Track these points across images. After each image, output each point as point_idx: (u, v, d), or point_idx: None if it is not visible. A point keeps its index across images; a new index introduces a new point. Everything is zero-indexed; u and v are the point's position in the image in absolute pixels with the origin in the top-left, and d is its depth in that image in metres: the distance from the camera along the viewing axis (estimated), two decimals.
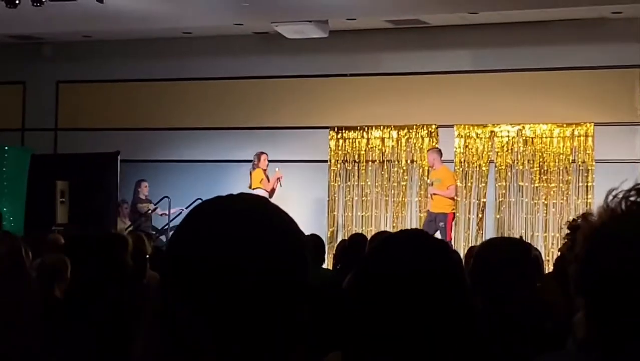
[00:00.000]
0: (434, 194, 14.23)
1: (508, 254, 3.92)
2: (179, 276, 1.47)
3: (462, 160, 15.50)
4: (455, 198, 14.37)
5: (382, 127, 15.96)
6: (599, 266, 1.31)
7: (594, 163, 14.77)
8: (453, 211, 14.20)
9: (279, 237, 1.55)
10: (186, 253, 1.50)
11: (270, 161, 15.33)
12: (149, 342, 1.52)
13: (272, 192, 14.85)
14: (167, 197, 15.53)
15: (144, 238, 5.90)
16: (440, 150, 14.67)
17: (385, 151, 15.93)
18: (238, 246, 1.50)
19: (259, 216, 1.58)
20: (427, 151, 15.06)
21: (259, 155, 15.10)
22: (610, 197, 1.35)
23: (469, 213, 15.35)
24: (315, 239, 9.11)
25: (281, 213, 1.65)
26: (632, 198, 1.33)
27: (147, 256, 5.56)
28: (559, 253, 9.84)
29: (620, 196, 1.34)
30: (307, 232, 8.01)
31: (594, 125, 14.84)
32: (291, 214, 1.62)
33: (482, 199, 15.34)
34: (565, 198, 14.86)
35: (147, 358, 1.50)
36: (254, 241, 1.51)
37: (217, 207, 1.62)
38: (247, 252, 1.48)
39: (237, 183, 15.74)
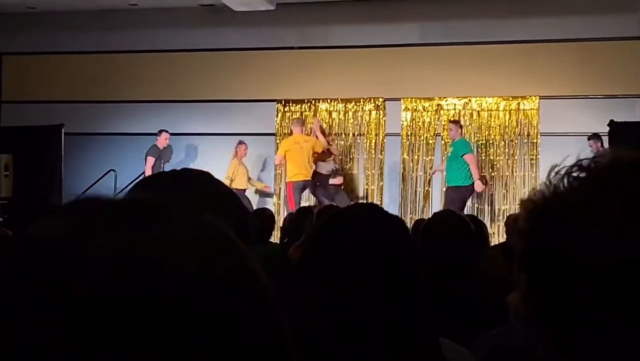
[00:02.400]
0: None
1: (455, 227, 3.94)
2: None
3: (409, 133, 15.55)
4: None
5: (329, 100, 15.96)
6: (540, 244, 1.30)
7: (539, 136, 14.89)
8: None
9: (220, 211, 1.53)
10: None
11: (218, 134, 15.30)
12: None
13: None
14: (112, 170, 15.40)
15: None
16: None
17: (332, 124, 15.92)
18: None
19: (201, 192, 1.56)
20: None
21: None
22: (553, 173, 1.34)
23: (417, 186, 15.41)
24: (265, 212, 9.09)
25: (223, 187, 1.63)
26: (574, 174, 1.32)
27: None
28: (506, 226, 9.94)
29: (563, 172, 1.33)
30: (254, 206, 7.98)
31: (540, 98, 14.96)
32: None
33: (429, 172, 15.41)
34: (511, 171, 14.98)
35: None
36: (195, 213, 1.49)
37: (159, 182, 1.60)
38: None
39: (183, 156, 15.70)
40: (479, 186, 13.75)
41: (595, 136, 13.47)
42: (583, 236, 1.23)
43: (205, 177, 1.64)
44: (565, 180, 1.32)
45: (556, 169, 1.34)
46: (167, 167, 14.27)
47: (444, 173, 14.35)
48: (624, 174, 1.28)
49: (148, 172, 13.96)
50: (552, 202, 1.30)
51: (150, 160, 14.88)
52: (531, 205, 1.34)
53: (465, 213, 11.79)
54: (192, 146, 16.01)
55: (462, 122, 14.85)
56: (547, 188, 1.33)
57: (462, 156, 13.73)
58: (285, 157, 14.47)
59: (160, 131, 15.46)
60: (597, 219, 1.24)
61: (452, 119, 14.74)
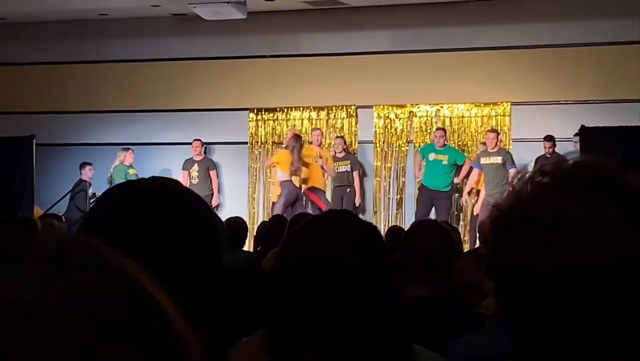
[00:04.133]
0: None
1: (437, 236, 3.95)
2: None
3: (382, 140, 15.57)
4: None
5: (301, 108, 15.96)
6: (505, 252, 1.31)
7: (511, 142, 14.95)
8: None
9: (189, 219, 1.53)
10: (95, 234, 1.46)
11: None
12: None
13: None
14: (85, 181, 15.33)
15: (54, 222, 5.82)
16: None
17: (304, 132, 15.91)
18: (147, 227, 1.48)
19: (169, 198, 1.55)
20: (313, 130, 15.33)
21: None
22: (516, 179, 1.35)
23: (389, 193, 15.44)
24: (238, 221, 9.07)
25: (192, 195, 1.63)
26: (537, 179, 1.33)
27: None
28: (478, 232, 9.98)
29: (526, 177, 1.34)
30: (228, 214, 7.96)
31: (511, 104, 15.02)
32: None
33: (401, 179, 15.44)
34: (483, 177, 15.00)
35: None
36: (164, 222, 1.49)
37: (128, 190, 1.60)
38: (157, 233, 1.46)
39: (155, 166, 15.63)
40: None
41: (549, 138, 13.69)
42: (545, 249, 1.24)
43: (173, 186, 1.63)
44: (529, 185, 1.32)
45: (519, 175, 1.35)
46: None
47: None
48: (584, 179, 1.29)
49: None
50: (516, 210, 1.31)
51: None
52: (496, 214, 1.35)
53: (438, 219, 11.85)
54: (165, 156, 15.94)
55: (434, 129, 14.98)
56: (511, 194, 1.34)
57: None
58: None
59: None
60: (558, 229, 1.24)
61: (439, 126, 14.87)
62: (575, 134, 13.47)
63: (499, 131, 14.45)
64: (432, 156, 14.36)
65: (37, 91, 16.74)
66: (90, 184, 15.26)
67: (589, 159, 1.35)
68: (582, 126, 13.26)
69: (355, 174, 14.83)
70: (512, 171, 13.85)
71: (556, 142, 13.68)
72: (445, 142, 14.49)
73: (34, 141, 15.11)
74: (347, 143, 15.36)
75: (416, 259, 3.85)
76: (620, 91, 14.23)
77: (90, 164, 15.57)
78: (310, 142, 15.13)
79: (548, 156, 13.36)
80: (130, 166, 15.40)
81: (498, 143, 14.05)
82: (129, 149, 15.46)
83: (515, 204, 1.32)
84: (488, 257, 1.34)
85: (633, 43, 14.20)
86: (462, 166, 14.37)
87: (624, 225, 1.24)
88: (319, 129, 15.35)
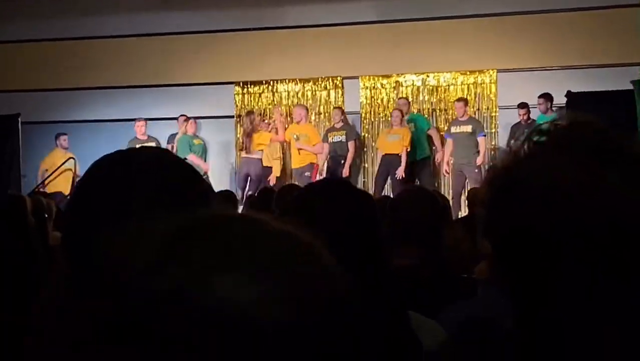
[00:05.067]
0: (301, 149, 14.56)
1: (424, 203, 3.94)
2: (81, 228, 1.42)
3: (369, 111, 15.55)
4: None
5: (287, 80, 15.91)
6: (501, 213, 1.30)
7: (497, 110, 14.95)
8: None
9: (181, 185, 1.51)
10: (85, 204, 1.45)
11: (174, 118, 15.29)
12: (52, 302, 1.47)
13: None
14: (72, 158, 15.26)
15: (42, 199, 5.80)
16: (306, 107, 15.04)
17: (290, 104, 15.87)
18: (139, 195, 1.46)
19: (160, 166, 1.53)
20: (295, 106, 15.31)
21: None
22: (512, 140, 1.34)
23: (375, 164, 15.43)
24: (227, 194, 9.06)
25: (183, 164, 1.61)
26: (534, 139, 1.32)
27: (47, 216, 5.49)
28: (468, 200, 9.99)
29: (523, 137, 1.33)
30: (215, 188, 7.92)
31: (497, 71, 15.02)
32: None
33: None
34: None
35: (51, 318, 1.45)
36: (156, 188, 1.47)
37: (117, 158, 1.58)
38: (149, 200, 1.44)
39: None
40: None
41: (545, 96, 13.69)
42: (540, 210, 1.23)
43: (163, 154, 1.61)
44: (526, 145, 1.31)
45: (516, 135, 1.34)
46: None
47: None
48: (581, 139, 1.28)
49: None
50: (512, 171, 1.30)
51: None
52: (492, 174, 1.34)
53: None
54: (151, 131, 15.87)
55: (421, 99, 14.98)
56: (507, 154, 1.33)
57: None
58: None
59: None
60: (554, 190, 1.23)
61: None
62: (539, 96, 13.66)
63: (473, 99, 14.58)
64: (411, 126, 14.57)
65: (22, 69, 16.63)
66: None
67: (585, 119, 1.33)
68: (569, 92, 13.29)
69: (350, 144, 14.73)
70: (481, 139, 13.90)
71: (530, 110, 13.73)
72: (410, 111, 14.78)
73: (19, 120, 15.07)
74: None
75: (403, 227, 3.84)
76: (607, 56, 14.22)
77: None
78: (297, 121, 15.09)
79: (523, 123, 13.40)
80: (195, 136, 15.35)
81: (466, 111, 14.15)
82: (189, 118, 15.36)
83: (512, 164, 1.31)
84: (485, 218, 1.33)
85: (620, 7, 14.19)
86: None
87: (618, 187, 1.23)
88: (303, 105, 15.27)
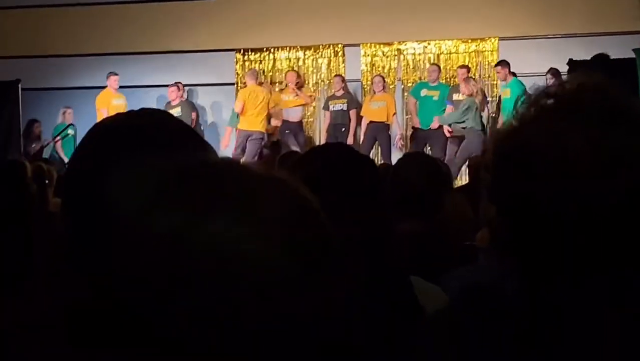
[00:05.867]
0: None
1: (425, 168, 3.94)
2: (78, 195, 1.41)
3: (370, 79, 15.50)
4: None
5: (288, 48, 15.87)
6: (505, 177, 1.29)
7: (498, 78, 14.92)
8: None
9: (183, 143, 1.50)
10: (85, 169, 1.44)
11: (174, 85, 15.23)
12: (52, 269, 1.46)
13: None
14: (72, 125, 15.25)
15: (43, 165, 5.80)
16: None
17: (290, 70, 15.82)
18: (139, 155, 1.45)
19: (162, 127, 1.52)
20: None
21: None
22: (519, 102, 1.32)
23: None
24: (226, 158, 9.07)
25: (184, 125, 1.60)
26: (542, 102, 1.30)
27: (47, 182, 5.49)
28: (469, 168, 9.97)
29: (530, 101, 1.31)
30: None
31: (499, 39, 14.97)
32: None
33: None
34: None
35: (51, 285, 1.45)
36: (158, 149, 1.46)
37: (116, 122, 1.56)
38: (150, 158, 1.43)
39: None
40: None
41: (554, 71, 13.60)
42: (542, 177, 1.22)
43: (165, 115, 1.60)
44: (532, 109, 1.30)
45: (522, 98, 1.33)
46: None
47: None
48: (588, 103, 1.27)
49: None
50: (517, 135, 1.29)
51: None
52: (497, 138, 1.33)
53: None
54: (152, 97, 15.85)
55: (423, 67, 14.93)
56: (514, 117, 1.32)
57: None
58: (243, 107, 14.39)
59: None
60: (556, 159, 1.22)
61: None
62: (497, 63, 13.80)
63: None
64: (423, 92, 14.31)
65: (22, 35, 16.57)
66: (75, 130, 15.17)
67: (592, 81, 1.32)
68: (570, 60, 13.23)
69: (352, 112, 14.68)
70: (448, 107, 13.87)
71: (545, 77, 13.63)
72: (438, 79, 14.48)
73: (20, 85, 15.04)
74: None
75: (405, 193, 3.83)
76: (609, 24, 14.17)
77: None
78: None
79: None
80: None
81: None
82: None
83: (517, 128, 1.30)
84: (490, 181, 1.32)
85: None
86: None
87: (621, 152, 1.22)
88: (295, 71, 15.25)
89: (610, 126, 1.24)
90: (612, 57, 13.01)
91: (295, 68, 15.77)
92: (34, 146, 15.19)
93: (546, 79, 13.46)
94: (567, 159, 1.23)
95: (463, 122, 13.62)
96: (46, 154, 14.57)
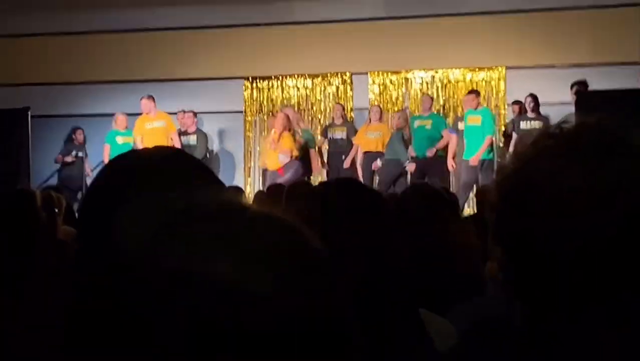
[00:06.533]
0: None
1: (428, 198, 3.95)
2: (92, 228, 1.43)
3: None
4: None
5: (296, 76, 15.92)
6: (509, 217, 1.30)
7: (506, 107, 14.94)
8: None
9: (197, 183, 1.52)
10: (100, 204, 1.46)
11: (184, 111, 15.25)
12: (60, 296, 1.48)
13: None
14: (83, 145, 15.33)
15: (52, 193, 5.81)
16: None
17: (300, 100, 15.89)
18: (152, 193, 1.47)
19: (175, 166, 1.54)
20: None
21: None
22: (521, 142, 1.34)
23: None
24: (235, 189, 9.09)
25: (198, 162, 1.62)
26: (543, 142, 1.32)
27: (57, 211, 5.50)
28: (477, 198, 9.97)
29: (531, 140, 1.33)
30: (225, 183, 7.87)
31: (506, 68, 15.00)
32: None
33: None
34: None
35: (59, 313, 1.47)
36: (169, 188, 1.48)
37: (130, 158, 1.59)
38: (161, 186, 1.45)
39: None
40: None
41: (533, 95, 13.65)
42: (546, 216, 1.23)
43: (179, 154, 1.62)
44: (533, 149, 1.31)
45: (524, 139, 1.35)
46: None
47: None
48: (589, 141, 1.28)
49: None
50: (520, 174, 1.30)
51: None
52: (500, 178, 1.34)
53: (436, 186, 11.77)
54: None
55: (430, 95, 14.94)
56: (516, 157, 1.33)
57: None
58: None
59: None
60: (560, 197, 1.24)
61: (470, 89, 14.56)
62: (469, 92, 13.84)
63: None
64: (417, 123, 14.23)
65: (32, 63, 16.66)
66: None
67: (593, 120, 1.34)
68: (578, 90, 13.25)
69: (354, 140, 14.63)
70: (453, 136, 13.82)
71: (553, 106, 13.64)
72: (431, 109, 14.47)
73: (29, 113, 15.08)
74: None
75: (410, 223, 3.85)
76: (616, 54, 14.20)
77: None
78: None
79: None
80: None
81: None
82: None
83: (519, 168, 1.31)
84: (494, 222, 1.33)
85: (628, 5, 14.17)
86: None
87: (621, 183, 1.23)
88: (287, 111, 14.70)
89: (606, 158, 1.25)
90: (619, 87, 13.03)
91: (303, 96, 15.82)
92: (72, 154, 15.27)
93: (525, 102, 13.58)
94: (564, 195, 1.25)
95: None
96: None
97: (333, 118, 15.00)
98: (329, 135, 14.73)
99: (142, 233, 0.88)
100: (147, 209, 0.92)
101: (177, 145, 14.23)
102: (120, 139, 14.88)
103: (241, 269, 0.84)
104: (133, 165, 1.52)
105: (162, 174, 1.48)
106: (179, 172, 1.49)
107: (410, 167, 13.73)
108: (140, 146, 14.22)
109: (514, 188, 1.31)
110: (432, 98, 14.67)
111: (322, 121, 15.67)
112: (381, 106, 14.91)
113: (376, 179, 14.23)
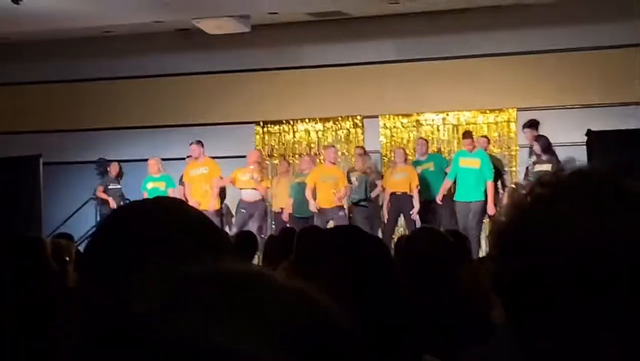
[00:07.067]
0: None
1: (432, 241, 3.94)
2: (94, 275, 1.44)
3: (389, 150, 15.54)
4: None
5: (307, 120, 15.97)
6: (508, 264, 1.30)
7: (518, 148, 14.93)
8: None
9: (197, 235, 1.52)
10: (99, 252, 1.47)
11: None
12: (71, 342, 1.48)
13: None
14: (93, 199, 15.34)
15: (62, 241, 5.83)
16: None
17: (311, 144, 15.93)
18: (151, 246, 1.47)
19: (174, 218, 1.55)
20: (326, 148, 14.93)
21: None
22: (516, 193, 1.34)
23: None
24: (246, 235, 9.09)
25: (198, 213, 1.62)
26: (537, 191, 1.32)
27: (68, 259, 5.50)
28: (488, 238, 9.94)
29: (526, 190, 1.33)
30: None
31: (517, 110, 15.01)
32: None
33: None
34: None
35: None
36: (169, 241, 1.49)
37: (131, 210, 1.60)
38: (161, 251, 1.46)
39: None
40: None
41: (532, 121, 13.58)
42: (546, 260, 1.23)
43: (179, 205, 1.63)
44: (529, 198, 1.31)
45: (519, 188, 1.34)
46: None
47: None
48: (585, 188, 1.28)
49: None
50: (517, 222, 1.30)
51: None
52: (497, 228, 1.34)
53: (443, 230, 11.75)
54: (172, 172, 15.94)
55: (441, 137, 14.97)
56: (511, 208, 1.33)
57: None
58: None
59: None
60: (559, 240, 1.24)
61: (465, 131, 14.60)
62: (464, 136, 13.84)
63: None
64: (418, 169, 14.21)
65: (43, 110, 16.77)
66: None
67: (587, 167, 1.34)
68: (589, 130, 13.25)
69: (379, 182, 14.58)
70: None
71: (563, 147, 13.59)
72: (428, 151, 14.53)
73: (41, 160, 15.14)
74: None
75: (415, 267, 3.84)
76: (626, 94, 14.22)
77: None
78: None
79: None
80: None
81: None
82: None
83: (516, 216, 1.31)
84: (493, 270, 1.33)
85: (637, 46, 14.20)
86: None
87: (624, 234, 1.23)
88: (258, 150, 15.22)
89: (608, 207, 1.25)
90: (631, 128, 13.04)
91: (315, 139, 15.88)
92: (109, 187, 15.29)
93: (524, 132, 13.54)
94: (569, 239, 1.25)
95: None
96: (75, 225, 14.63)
97: (355, 163, 14.78)
98: (352, 179, 14.56)
99: (145, 301, 0.86)
100: (149, 275, 0.90)
101: (216, 189, 14.48)
102: (149, 185, 14.88)
103: (259, 345, 0.80)
104: (132, 222, 1.54)
105: (162, 234, 1.49)
106: (179, 229, 1.51)
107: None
108: (188, 194, 14.46)
109: (510, 235, 1.31)
110: (427, 141, 14.64)
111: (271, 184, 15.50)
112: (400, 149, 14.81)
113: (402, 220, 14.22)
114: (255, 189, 14.45)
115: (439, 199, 13.59)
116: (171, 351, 0.77)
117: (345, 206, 14.11)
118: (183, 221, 1.55)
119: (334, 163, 14.44)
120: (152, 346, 0.78)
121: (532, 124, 13.51)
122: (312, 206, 13.86)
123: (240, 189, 14.52)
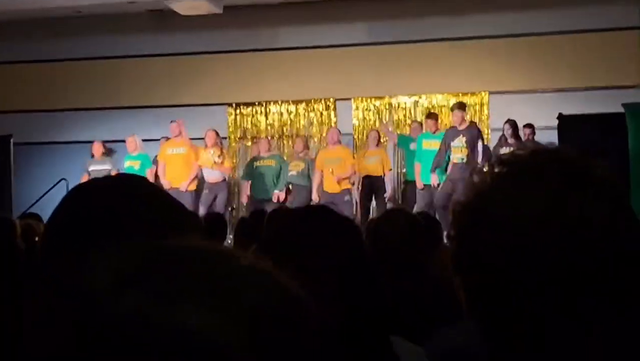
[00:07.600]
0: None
1: (401, 227, 3.93)
2: (56, 254, 1.43)
3: (362, 133, 15.56)
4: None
5: (280, 102, 15.95)
6: (467, 247, 1.30)
7: (489, 131, 14.97)
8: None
9: (160, 213, 1.51)
10: (60, 229, 1.46)
11: (167, 139, 15.19)
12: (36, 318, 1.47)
13: None
14: (64, 179, 15.24)
15: (32, 222, 5.80)
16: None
17: (284, 126, 15.91)
18: (114, 222, 1.46)
19: (138, 193, 1.54)
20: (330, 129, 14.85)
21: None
22: (476, 172, 1.33)
23: None
24: (215, 216, 9.06)
25: (160, 191, 1.61)
26: (496, 170, 1.31)
27: (37, 239, 5.49)
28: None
29: (485, 169, 1.32)
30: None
31: (489, 94, 15.05)
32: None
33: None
34: None
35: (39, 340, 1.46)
36: (133, 217, 1.47)
37: (93, 186, 1.58)
38: (125, 228, 1.44)
39: None
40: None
41: (512, 122, 13.49)
42: (503, 244, 1.23)
43: (141, 182, 1.62)
44: (488, 178, 1.31)
45: (477, 168, 1.34)
46: None
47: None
48: (543, 168, 1.28)
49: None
50: (475, 204, 1.30)
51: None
52: (457, 208, 1.34)
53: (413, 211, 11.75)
54: (144, 152, 15.88)
55: (413, 120, 15.00)
56: (471, 187, 1.33)
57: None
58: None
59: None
60: (515, 224, 1.23)
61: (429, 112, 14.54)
62: (427, 116, 13.98)
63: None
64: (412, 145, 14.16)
65: (13, 90, 16.63)
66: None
67: (546, 147, 1.34)
68: (560, 114, 13.30)
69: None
70: None
71: (535, 131, 13.61)
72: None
73: (12, 140, 15.04)
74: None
75: (383, 250, 3.83)
76: (598, 79, 14.29)
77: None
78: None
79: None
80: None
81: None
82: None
83: (475, 197, 1.31)
84: (452, 252, 1.33)
85: (609, 30, 14.27)
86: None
87: (583, 218, 1.23)
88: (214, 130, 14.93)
89: (564, 187, 1.25)
90: (602, 112, 13.09)
91: (288, 121, 15.87)
92: (90, 169, 15.08)
93: (503, 130, 13.48)
94: (526, 224, 1.24)
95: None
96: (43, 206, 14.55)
97: (327, 143, 14.73)
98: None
99: (103, 277, 0.84)
100: (109, 252, 0.88)
101: (194, 173, 14.49)
102: (127, 164, 14.83)
103: (212, 323, 0.78)
104: (95, 198, 1.52)
105: (125, 210, 1.47)
106: (142, 205, 1.49)
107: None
108: (161, 172, 14.41)
109: (468, 218, 1.31)
110: (436, 119, 14.40)
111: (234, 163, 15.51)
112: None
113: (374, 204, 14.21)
114: (217, 169, 14.49)
115: (418, 186, 13.51)
116: (133, 329, 0.75)
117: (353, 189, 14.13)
118: (145, 197, 1.54)
119: (339, 143, 14.30)
120: (113, 323, 0.76)
121: (460, 106, 13.35)
122: (314, 195, 13.85)
123: (201, 167, 14.56)
